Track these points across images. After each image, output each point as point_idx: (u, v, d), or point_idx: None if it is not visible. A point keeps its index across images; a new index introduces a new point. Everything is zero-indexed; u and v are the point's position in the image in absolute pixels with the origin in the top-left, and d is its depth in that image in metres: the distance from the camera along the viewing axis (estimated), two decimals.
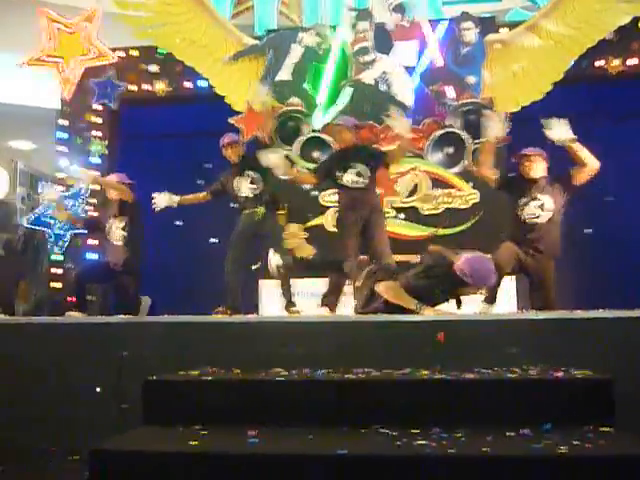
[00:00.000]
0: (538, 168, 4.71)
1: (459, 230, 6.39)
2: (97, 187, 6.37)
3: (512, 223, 4.84)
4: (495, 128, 4.89)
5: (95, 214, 6.51)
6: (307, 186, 6.59)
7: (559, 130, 4.53)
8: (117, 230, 5.51)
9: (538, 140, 6.40)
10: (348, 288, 5.10)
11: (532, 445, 2.30)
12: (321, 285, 6.36)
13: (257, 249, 5.51)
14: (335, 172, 5.19)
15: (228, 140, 5.51)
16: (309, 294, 6.43)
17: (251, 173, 5.33)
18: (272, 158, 5.08)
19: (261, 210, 5.33)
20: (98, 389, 3.46)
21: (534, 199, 4.67)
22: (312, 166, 6.61)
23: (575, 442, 2.32)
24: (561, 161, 4.81)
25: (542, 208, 4.66)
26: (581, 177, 4.66)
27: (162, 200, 5.44)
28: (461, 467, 2.21)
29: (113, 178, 5.76)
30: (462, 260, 3.92)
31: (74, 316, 5.14)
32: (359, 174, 5.07)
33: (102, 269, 5.68)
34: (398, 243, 6.46)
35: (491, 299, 4.74)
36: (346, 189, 5.17)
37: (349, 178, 5.09)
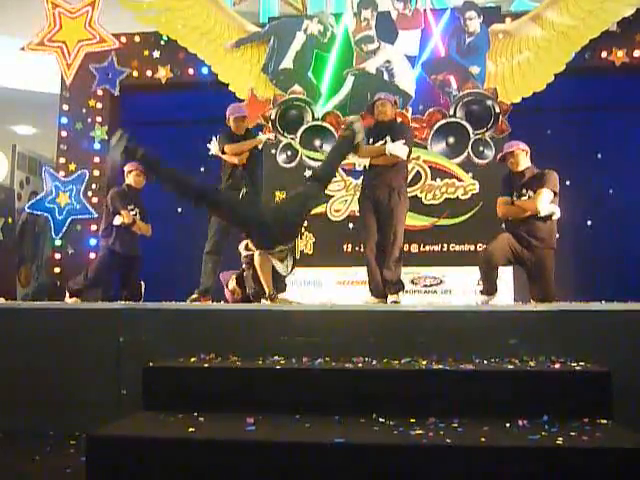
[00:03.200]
0: (522, 161, 4.83)
1: (460, 220, 6.39)
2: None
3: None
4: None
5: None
6: (308, 173, 6.56)
7: None
8: (134, 218, 5.55)
9: (538, 130, 6.44)
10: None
11: (529, 436, 2.31)
12: (318, 274, 6.41)
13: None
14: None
15: (236, 115, 5.29)
16: (305, 282, 6.46)
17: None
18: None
19: (243, 190, 5.03)
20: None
21: (523, 194, 4.78)
22: (313, 154, 6.62)
23: (572, 433, 2.33)
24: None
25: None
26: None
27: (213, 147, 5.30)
28: (458, 457, 2.22)
29: (134, 165, 5.72)
30: None
31: (74, 301, 5.16)
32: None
33: (115, 257, 5.65)
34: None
35: (490, 290, 4.75)
36: (369, 166, 5.04)
37: None
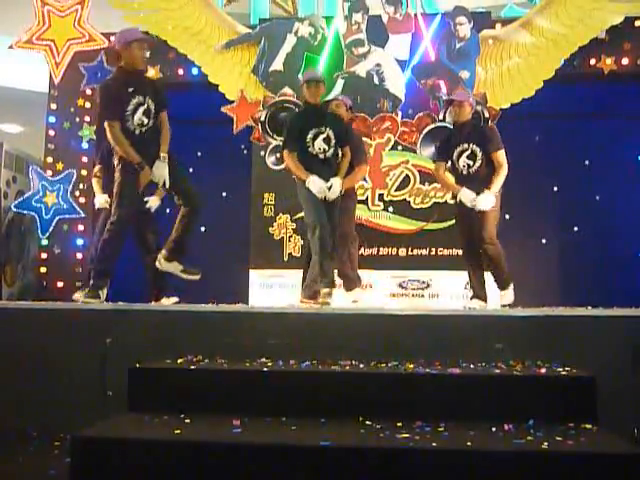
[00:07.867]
0: (464, 112, 4.80)
1: (448, 225, 6.40)
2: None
3: (454, 176, 4.94)
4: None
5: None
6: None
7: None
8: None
9: (526, 136, 6.48)
10: None
11: (514, 440, 2.32)
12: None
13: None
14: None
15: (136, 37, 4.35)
16: (293, 285, 6.45)
17: None
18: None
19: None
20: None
21: (465, 150, 4.75)
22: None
23: (557, 438, 2.34)
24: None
25: (473, 157, 4.72)
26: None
27: None
28: (443, 461, 2.23)
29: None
30: None
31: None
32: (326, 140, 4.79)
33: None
34: (388, 236, 6.50)
35: (481, 296, 4.81)
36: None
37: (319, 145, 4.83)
